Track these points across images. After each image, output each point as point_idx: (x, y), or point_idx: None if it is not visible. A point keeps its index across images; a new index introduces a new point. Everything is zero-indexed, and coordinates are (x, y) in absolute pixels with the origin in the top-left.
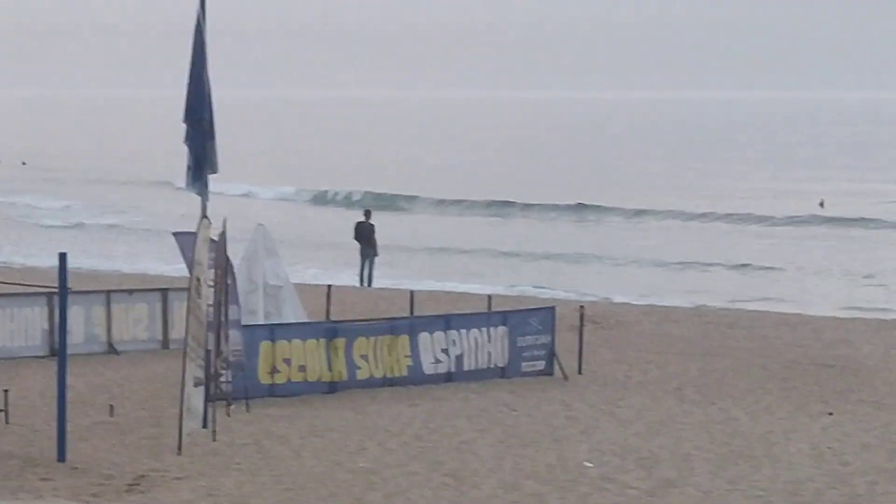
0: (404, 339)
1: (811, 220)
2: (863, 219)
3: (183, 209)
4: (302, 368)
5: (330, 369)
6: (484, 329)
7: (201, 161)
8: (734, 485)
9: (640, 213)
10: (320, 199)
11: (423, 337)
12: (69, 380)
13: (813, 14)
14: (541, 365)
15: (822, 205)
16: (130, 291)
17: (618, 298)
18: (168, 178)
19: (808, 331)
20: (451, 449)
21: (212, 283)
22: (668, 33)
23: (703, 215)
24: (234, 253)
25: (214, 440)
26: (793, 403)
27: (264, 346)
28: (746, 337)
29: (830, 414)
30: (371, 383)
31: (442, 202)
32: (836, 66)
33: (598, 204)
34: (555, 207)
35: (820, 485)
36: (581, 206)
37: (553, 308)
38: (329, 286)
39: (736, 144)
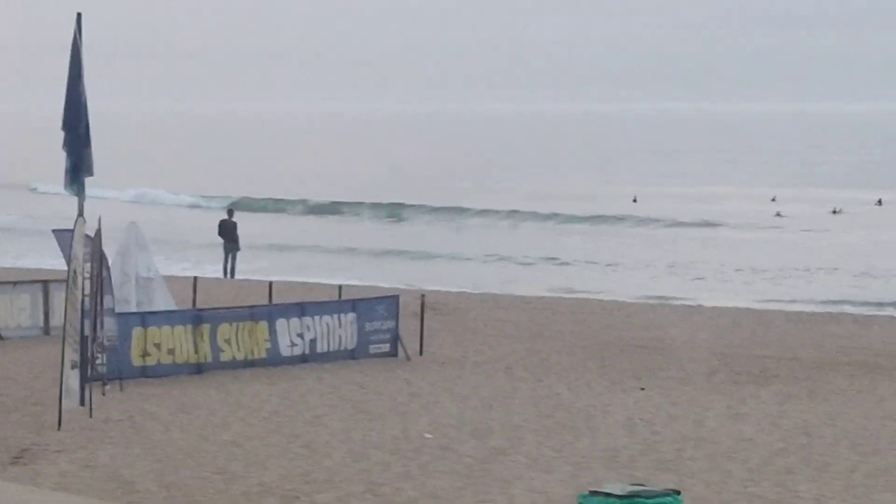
0: (263, 325)
1: (624, 219)
2: (672, 219)
3: (49, 210)
4: (171, 352)
5: (196, 352)
6: (335, 315)
7: (78, 165)
8: (558, 452)
9: (483, 212)
10: (198, 203)
11: (281, 323)
12: None
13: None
14: (386, 347)
15: (777, 212)
16: (14, 283)
17: (455, 288)
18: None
19: (623, 316)
20: (306, 423)
21: (88, 275)
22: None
23: (524, 213)
24: (109, 248)
25: (91, 417)
26: (609, 380)
27: (136, 331)
28: (569, 321)
29: (643, 389)
30: (234, 365)
31: (313, 205)
32: (658, 78)
33: (441, 206)
34: (401, 206)
35: (633, 452)
36: (416, 207)
37: (397, 297)
38: (195, 278)
39: (566, 151)
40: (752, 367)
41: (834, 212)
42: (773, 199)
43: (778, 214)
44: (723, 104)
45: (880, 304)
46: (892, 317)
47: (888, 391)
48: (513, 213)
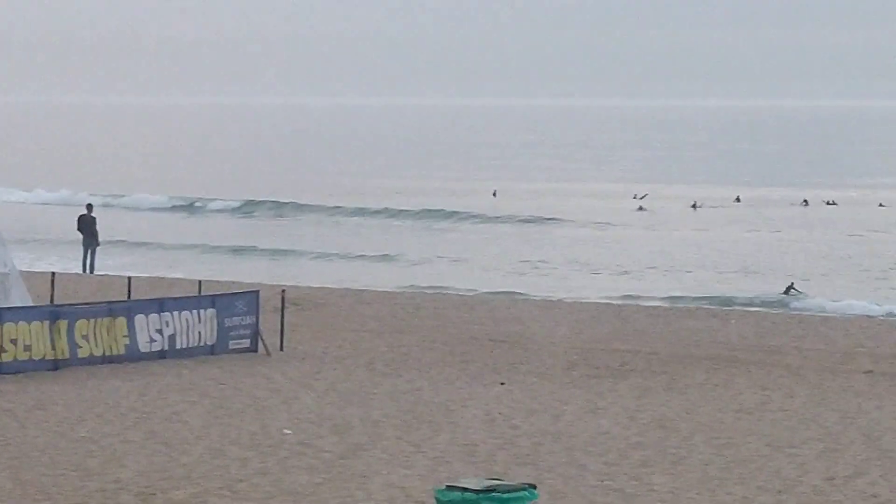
0: (122, 321)
1: (483, 217)
2: (532, 214)
3: None
4: (27, 348)
5: (53, 348)
6: (195, 311)
7: None
8: (417, 447)
9: (335, 209)
10: (59, 200)
11: (139, 318)
12: None
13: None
14: (246, 343)
15: (694, 206)
16: None
17: (316, 283)
18: None
19: (484, 311)
20: (164, 419)
21: None
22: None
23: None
24: None
25: None
26: (470, 375)
27: None
28: (430, 316)
29: (503, 384)
30: (92, 361)
31: (176, 200)
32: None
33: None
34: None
35: (492, 446)
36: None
37: (257, 292)
38: (53, 273)
39: (428, 145)
40: (610, 362)
41: (694, 206)
42: (636, 197)
43: (640, 209)
44: (592, 100)
45: (734, 299)
46: (748, 311)
47: (744, 385)
48: (382, 211)
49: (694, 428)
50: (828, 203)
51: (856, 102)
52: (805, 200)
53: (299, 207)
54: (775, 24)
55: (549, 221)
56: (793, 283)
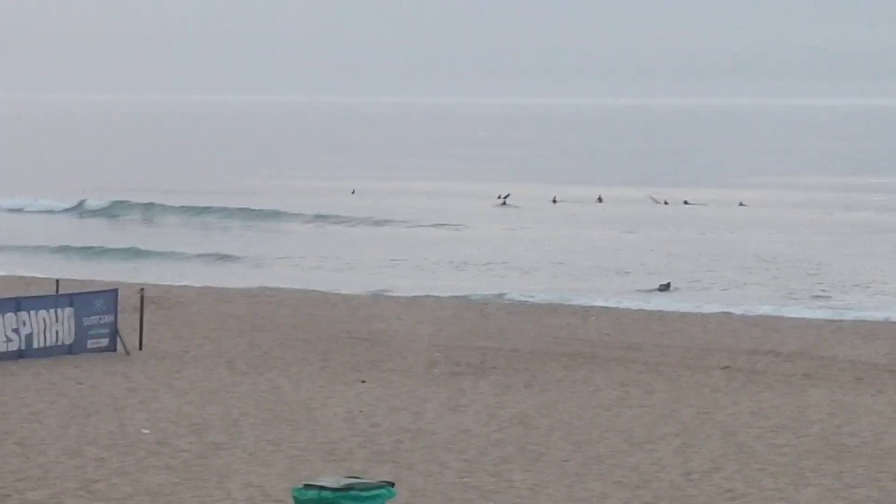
0: None
1: (342, 215)
2: (392, 213)
3: None
4: None
5: None
6: (52, 310)
7: None
8: (277, 446)
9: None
10: None
11: None
12: None
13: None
14: (105, 342)
15: (554, 201)
16: None
17: (177, 282)
18: None
19: (347, 308)
20: (21, 419)
21: None
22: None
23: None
24: None
25: None
26: (331, 373)
27: None
28: (292, 314)
29: (364, 382)
30: None
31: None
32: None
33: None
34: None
35: (352, 444)
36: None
37: (116, 290)
38: None
39: (289, 144)
40: (472, 359)
41: (554, 201)
42: (500, 197)
43: (504, 203)
44: (464, 98)
45: (597, 296)
46: (608, 308)
47: (603, 381)
48: (240, 211)
49: (553, 424)
50: (685, 202)
51: (723, 101)
52: (663, 200)
53: (165, 209)
54: (644, 22)
55: (407, 220)
56: (669, 283)
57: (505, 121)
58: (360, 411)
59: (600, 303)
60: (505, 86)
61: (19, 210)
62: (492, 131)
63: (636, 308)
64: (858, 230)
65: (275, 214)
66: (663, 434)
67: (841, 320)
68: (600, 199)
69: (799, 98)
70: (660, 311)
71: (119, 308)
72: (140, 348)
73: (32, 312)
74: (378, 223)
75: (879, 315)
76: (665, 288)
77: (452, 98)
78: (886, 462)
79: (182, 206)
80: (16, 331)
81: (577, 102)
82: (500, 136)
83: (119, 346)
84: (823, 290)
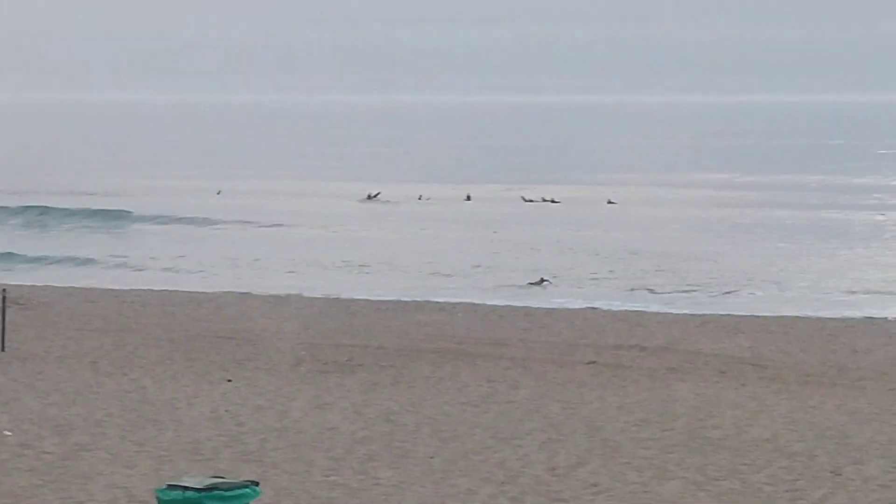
0: None
1: (203, 216)
2: (256, 212)
3: None
4: None
5: None
6: None
7: None
8: (142, 447)
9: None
10: None
11: None
12: None
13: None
14: None
15: (420, 198)
16: None
17: (40, 282)
18: None
19: (213, 307)
20: None
21: None
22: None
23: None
24: None
25: None
26: (196, 372)
27: None
28: (157, 314)
29: (229, 381)
30: None
31: None
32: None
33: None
34: None
35: (217, 444)
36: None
37: None
38: None
39: (146, 143)
40: (338, 357)
41: (420, 198)
42: (370, 196)
43: (370, 198)
44: (338, 96)
45: (464, 293)
46: (475, 304)
47: (470, 377)
48: (110, 212)
49: (420, 421)
50: (551, 201)
51: (594, 97)
52: (530, 198)
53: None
54: (490, 18)
55: (274, 220)
56: (542, 278)
57: (355, 118)
58: (226, 410)
59: (468, 299)
60: (342, 82)
61: None
62: (346, 129)
63: (503, 304)
64: (727, 227)
65: (126, 215)
66: (529, 429)
67: (705, 315)
68: (469, 198)
69: (671, 94)
70: (526, 307)
71: None
72: (2, 349)
73: None
74: (244, 223)
75: (743, 310)
76: (538, 283)
77: (284, 95)
78: (749, 455)
79: (28, 207)
80: None
81: (434, 99)
82: (356, 133)
83: None
84: (689, 286)
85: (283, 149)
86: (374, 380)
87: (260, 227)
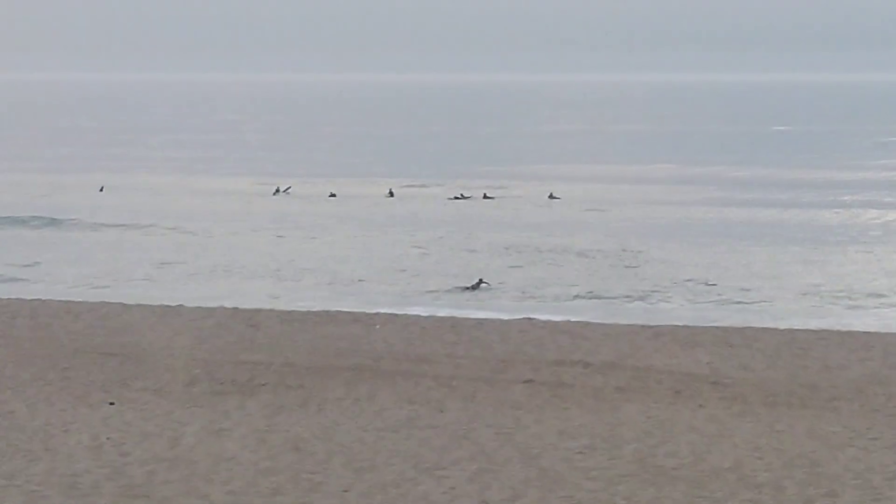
0: None
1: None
2: (151, 213)
3: None
4: None
5: None
6: None
7: None
8: (10, 480)
9: None
10: None
11: None
12: None
13: None
14: None
15: (332, 195)
16: None
17: None
18: None
19: (94, 318)
20: None
21: None
22: None
23: None
24: None
25: None
26: (74, 394)
27: None
28: (29, 327)
29: (112, 403)
30: None
31: None
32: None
33: None
34: None
35: (98, 476)
36: None
37: None
38: None
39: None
40: (238, 376)
41: (277, 191)
42: (277, 190)
43: (279, 193)
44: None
45: (383, 301)
46: (395, 314)
47: (388, 399)
48: None
49: (332, 449)
50: (483, 196)
51: (504, 76)
52: (461, 194)
53: None
54: None
55: (162, 220)
56: (481, 280)
57: (250, 101)
58: (108, 438)
59: (386, 309)
60: (226, 60)
61: None
62: (240, 113)
63: (427, 315)
64: (681, 226)
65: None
66: (457, 458)
67: (658, 326)
68: (391, 193)
69: (597, 74)
70: (452, 317)
71: None
72: None
73: None
74: (128, 226)
75: (701, 320)
76: (474, 287)
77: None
78: (708, 486)
79: None
80: None
81: (331, 79)
82: (251, 118)
83: None
84: (640, 293)
85: (168, 135)
86: (279, 402)
87: (144, 228)
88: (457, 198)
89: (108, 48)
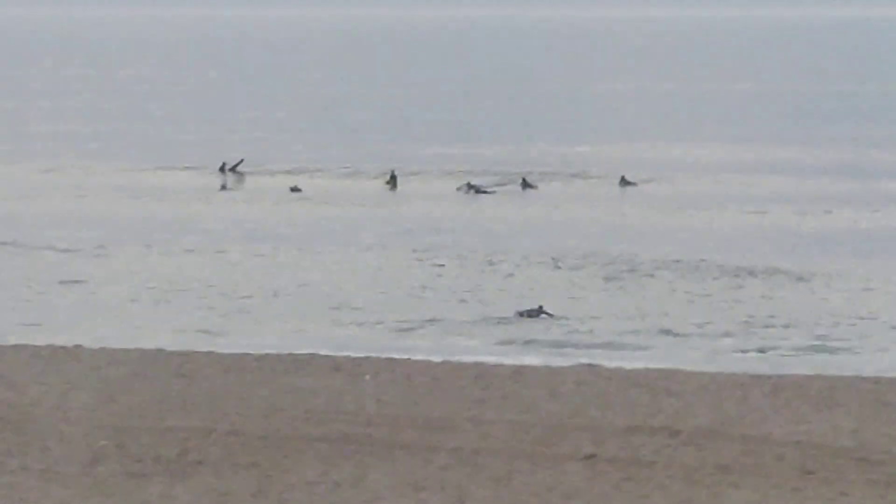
0: None
1: None
2: None
3: None
4: None
5: None
6: None
7: None
8: None
9: None
10: None
11: None
12: None
13: None
14: None
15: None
16: None
17: None
18: None
19: None
20: None
21: None
22: None
23: None
24: None
25: None
26: None
27: None
28: None
29: None
30: None
31: None
32: None
33: None
34: None
35: None
36: None
37: None
38: None
39: None
40: (163, 449)
41: (223, 169)
42: (225, 169)
43: (224, 169)
44: None
45: (377, 340)
46: (394, 359)
47: (384, 484)
48: None
49: None
50: (522, 184)
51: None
52: (472, 185)
53: None
54: None
55: (57, 233)
56: (542, 307)
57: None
58: None
59: (382, 352)
60: None
61: None
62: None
63: (440, 361)
64: (814, 229)
65: None
66: None
67: (779, 376)
68: (393, 181)
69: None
70: (478, 363)
71: None
72: None
73: None
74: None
75: (841, 368)
76: (534, 315)
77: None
78: None
79: None
80: None
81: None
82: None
83: None
84: (752, 329)
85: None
86: (223, 488)
87: (31, 246)
88: (476, 190)
89: None
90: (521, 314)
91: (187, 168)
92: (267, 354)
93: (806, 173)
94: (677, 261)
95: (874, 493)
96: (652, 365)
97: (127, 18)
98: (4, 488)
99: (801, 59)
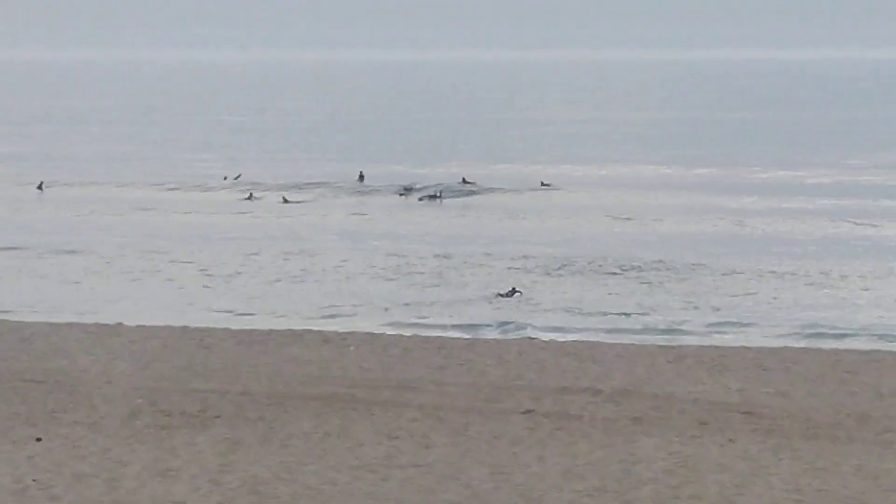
0: None
1: None
2: None
3: None
4: None
5: None
6: None
7: None
8: None
9: None
10: None
11: None
12: None
13: None
14: None
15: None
16: None
17: None
18: None
19: (16, 341)
20: None
21: None
22: None
23: None
24: None
25: None
26: None
27: None
28: None
29: (39, 440)
30: None
31: None
32: None
33: None
34: None
35: None
36: None
37: None
38: None
39: None
40: (187, 406)
41: (250, 197)
42: (227, 178)
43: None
44: None
45: (359, 317)
46: (373, 333)
47: (365, 433)
48: None
49: (297, 492)
50: (465, 181)
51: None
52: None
53: None
54: None
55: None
56: (514, 288)
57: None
58: (34, 480)
59: (363, 327)
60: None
61: None
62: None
63: (410, 335)
64: (710, 229)
65: None
66: (445, 502)
67: (681, 346)
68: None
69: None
70: (440, 337)
71: None
72: None
73: None
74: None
75: (731, 340)
76: (508, 295)
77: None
78: None
79: None
80: None
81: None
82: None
83: None
84: (659, 308)
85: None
86: (235, 437)
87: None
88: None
89: None
90: (500, 295)
91: (198, 186)
92: (271, 330)
93: (689, 187)
94: (598, 256)
95: (756, 439)
96: (579, 338)
97: (167, 61)
98: (60, 438)
99: (694, 93)
